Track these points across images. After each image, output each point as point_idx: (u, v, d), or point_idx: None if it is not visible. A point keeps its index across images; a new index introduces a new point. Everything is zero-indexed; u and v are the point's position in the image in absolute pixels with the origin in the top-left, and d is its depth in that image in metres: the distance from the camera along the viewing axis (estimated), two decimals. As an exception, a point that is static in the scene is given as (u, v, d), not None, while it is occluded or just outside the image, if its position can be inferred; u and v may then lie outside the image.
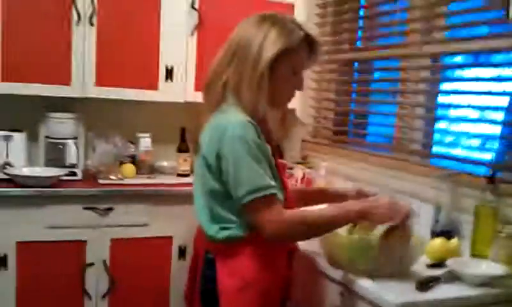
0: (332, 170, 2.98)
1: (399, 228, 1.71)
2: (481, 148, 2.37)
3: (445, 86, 2.57)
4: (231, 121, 1.62)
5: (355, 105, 3.23)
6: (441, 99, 2.58)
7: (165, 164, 3.20)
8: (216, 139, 1.63)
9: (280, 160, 1.90)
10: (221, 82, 1.71)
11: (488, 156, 2.28)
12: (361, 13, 3.14)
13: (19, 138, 2.87)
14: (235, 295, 1.66)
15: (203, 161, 1.69)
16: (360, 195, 1.92)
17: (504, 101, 2.24)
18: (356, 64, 3.20)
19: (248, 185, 1.58)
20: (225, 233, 1.68)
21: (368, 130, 3.16)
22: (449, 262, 1.82)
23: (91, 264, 2.75)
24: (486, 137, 2.38)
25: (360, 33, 3.18)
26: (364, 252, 1.73)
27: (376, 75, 3.14)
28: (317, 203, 1.95)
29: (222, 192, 1.66)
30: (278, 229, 1.60)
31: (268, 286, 1.70)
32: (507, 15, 1.79)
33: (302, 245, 1.93)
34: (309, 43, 1.74)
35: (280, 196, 1.67)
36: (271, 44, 1.65)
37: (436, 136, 2.63)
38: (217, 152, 1.63)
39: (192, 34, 3.08)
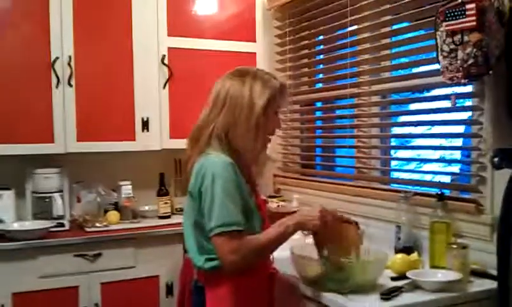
0: (303, 201, 3.23)
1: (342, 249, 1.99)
2: (432, 171, 2.66)
3: (403, 118, 2.86)
4: (213, 161, 1.87)
5: (319, 140, 3.51)
6: (398, 130, 2.89)
7: (146, 208, 3.40)
8: (199, 177, 1.87)
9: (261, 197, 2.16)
10: (208, 131, 1.95)
11: (438, 178, 2.57)
12: (318, 57, 3.45)
13: (7, 195, 3.04)
14: None
15: (190, 197, 1.93)
16: None
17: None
18: (318, 104, 3.48)
19: (217, 220, 1.81)
20: (211, 264, 1.89)
21: (334, 162, 3.43)
22: (410, 273, 2.07)
23: (85, 308, 2.91)
24: (436, 160, 2.67)
25: (317, 76, 3.48)
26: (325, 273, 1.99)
27: (337, 112, 3.42)
28: None
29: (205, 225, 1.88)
30: (234, 261, 1.82)
31: (248, 303, 1.93)
32: (437, 56, 2.10)
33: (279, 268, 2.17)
34: (281, 88, 2.02)
35: (257, 226, 1.93)
36: (259, 95, 1.92)
37: (393, 163, 2.92)
38: (199, 188, 1.87)
39: (164, 87, 3.33)
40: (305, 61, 3.51)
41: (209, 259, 1.90)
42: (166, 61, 3.31)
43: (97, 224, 3.10)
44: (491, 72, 1.99)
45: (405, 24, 2.65)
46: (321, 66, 3.47)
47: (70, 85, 3.09)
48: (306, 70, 3.50)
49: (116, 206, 3.29)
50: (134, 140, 3.26)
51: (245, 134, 1.93)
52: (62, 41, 3.06)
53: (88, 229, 3.05)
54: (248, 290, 1.92)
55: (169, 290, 3.09)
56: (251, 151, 1.96)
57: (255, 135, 1.93)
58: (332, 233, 1.99)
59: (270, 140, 2.07)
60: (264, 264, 2.02)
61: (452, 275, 2.02)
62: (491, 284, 1.99)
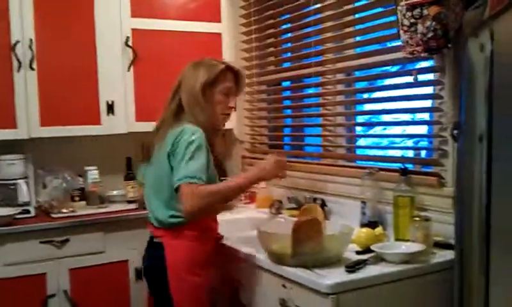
0: (271, 181, 3.23)
1: (309, 222, 2.01)
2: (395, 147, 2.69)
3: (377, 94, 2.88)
4: (190, 127, 2.20)
5: (286, 120, 3.52)
6: (368, 106, 2.91)
7: (114, 192, 3.38)
8: (178, 137, 2.16)
9: None
10: (171, 110, 2.31)
11: (401, 152, 2.61)
12: (283, 36, 3.44)
13: (-29, 183, 2.99)
14: (178, 267, 2.19)
15: (167, 159, 2.19)
16: None
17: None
18: (285, 83, 3.48)
19: (186, 172, 2.09)
20: (174, 220, 2.20)
21: (302, 141, 3.44)
22: (374, 246, 2.10)
23: (53, 295, 2.88)
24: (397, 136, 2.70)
25: (283, 55, 3.48)
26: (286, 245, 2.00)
27: (304, 91, 3.43)
28: None
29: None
30: (195, 204, 2.08)
31: (201, 261, 2.24)
32: (398, 34, 2.11)
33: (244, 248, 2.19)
34: (234, 73, 2.36)
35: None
36: (200, 77, 2.28)
37: (358, 140, 2.94)
38: (176, 147, 2.15)
39: (128, 69, 3.29)
40: (271, 40, 3.50)
41: (173, 215, 2.20)
42: (130, 43, 3.27)
43: (64, 210, 3.06)
44: (450, 45, 2.01)
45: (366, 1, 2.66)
46: (287, 45, 3.46)
47: (32, 68, 3.03)
48: (272, 49, 3.49)
49: (83, 192, 3.26)
50: (100, 124, 3.23)
51: (200, 113, 2.25)
52: (22, 24, 3.00)
53: (54, 215, 3.01)
54: (197, 245, 2.23)
55: (139, 274, 3.07)
56: (207, 127, 2.25)
57: (206, 114, 2.26)
58: (311, 230, 2.00)
59: (223, 119, 2.37)
60: (213, 227, 2.35)
61: (416, 247, 2.06)
62: (453, 255, 2.03)
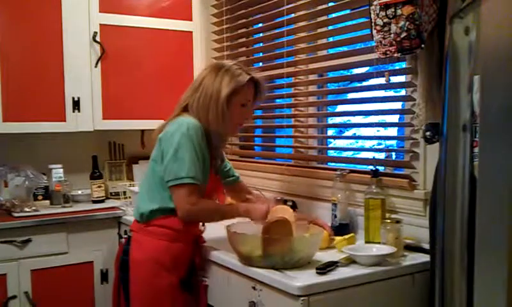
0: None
1: (280, 223, 2.01)
2: (367, 148, 2.68)
3: (352, 95, 2.86)
4: (182, 121, 2.16)
5: (257, 121, 3.48)
6: (341, 108, 2.89)
7: (79, 192, 3.29)
8: (172, 131, 2.14)
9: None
10: (180, 106, 2.26)
11: (373, 154, 2.59)
12: (255, 36, 3.40)
13: None
14: (140, 265, 2.15)
15: (160, 151, 2.18)
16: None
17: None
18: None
19: (178, 172, 2.09)
20: (153, 214, 2.18)
21: (273, 142, 3.40)
22: (345, 248, 2.08)
23: (14, 297, 2.77)
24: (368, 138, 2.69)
25: (255, 55, 3.43)
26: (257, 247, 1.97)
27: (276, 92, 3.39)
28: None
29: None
30: (190, 212, 2.13)
31: (166, 263, 2.15)
32: (372, 35, 2.09)
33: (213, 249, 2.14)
34: (254, 83, 2.27)
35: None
36: (225, 86, 2.18)
37: (330, 142, 2.92)
38: (166, 142, 2.14)
39: (96, 65, 3.20)
40: (243, 40, 3.45)
41: (154, 209, 2.17)
42: (98, 38, 3.18)
43: (26, 209, 2.96)
44: (423, 46, 2.00)
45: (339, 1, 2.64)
46: (259, 44, 3.42)
47: (-6, 62, 2.92)
48: (243, 49, 3.45)
49: (47, 191, 3.16)
50: (65, 121, 3.12)
51: (215, 119, 2.18)
52: (-15, 16, 2.89)
53: (16, 215, 2.90)
54: (168, 247, 2.16)
55: (104, 276, 3.00)
56: (220, 134, 2.27)
57: (221, 122, 2.19)
58: (281, 231, 2.00)
59: (237, 128, 2.36)
60: (190, 230, 2.23)
61: (386, 250, 2.04)
62: (424, 258, 2.02)
